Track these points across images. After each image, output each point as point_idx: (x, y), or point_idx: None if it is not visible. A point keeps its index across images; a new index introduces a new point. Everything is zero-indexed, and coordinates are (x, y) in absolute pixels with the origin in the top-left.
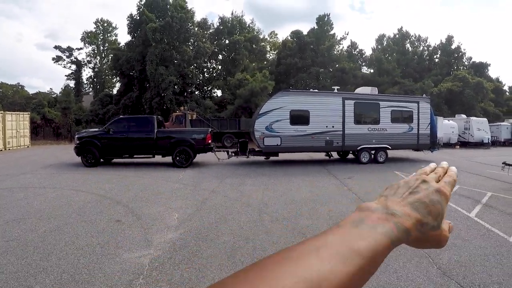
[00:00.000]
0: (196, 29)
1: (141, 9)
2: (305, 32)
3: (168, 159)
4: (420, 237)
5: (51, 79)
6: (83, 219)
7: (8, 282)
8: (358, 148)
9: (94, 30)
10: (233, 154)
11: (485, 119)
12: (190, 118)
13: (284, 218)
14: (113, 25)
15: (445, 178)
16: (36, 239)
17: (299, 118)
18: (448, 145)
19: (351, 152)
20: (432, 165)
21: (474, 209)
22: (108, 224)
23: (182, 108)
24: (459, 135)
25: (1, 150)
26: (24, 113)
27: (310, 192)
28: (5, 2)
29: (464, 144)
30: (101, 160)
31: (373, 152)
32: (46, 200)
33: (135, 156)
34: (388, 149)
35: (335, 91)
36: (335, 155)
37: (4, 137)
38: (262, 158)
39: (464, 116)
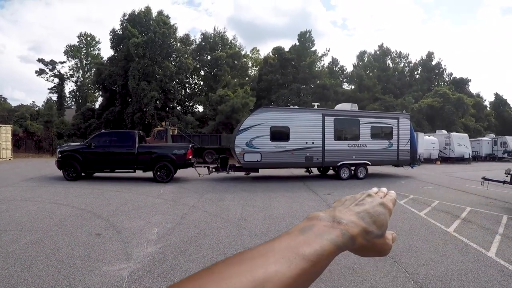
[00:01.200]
0: (178, 44)
1: (124, 24)
2: (286, 49)
3: (149, 174)
4: (365, 244)
5: (33, 91)
6: (64, 232)
7: None
8: (338, 164)
9: (77, 43)
10: (214, 169)
11: (466, 134)
12: (171, 134)
13: (262, 233)
14: (96, 39)
15: (388, 196)
16: (17, 250)
17: (279, 134)
18: (429, 160)
19: (331, 168)
20: (374, 189)
21: (452, 224)
22: (88, 237)
23: (163, 123)
24: (440, 150)
25: None
26: (7, 125)
27: (289, 207)
28: None
29: (445, 159)
30: (83, 174)
31: (353, 168)
32: (28, 212)
33: (116, 170)
34: (368, 165)
35: (315, 107)
36: (315, 171)
37: None
38: (242, 173)
39: (444, 131)
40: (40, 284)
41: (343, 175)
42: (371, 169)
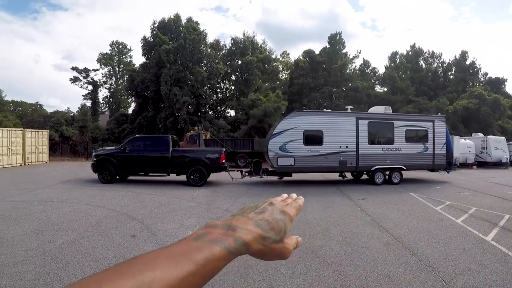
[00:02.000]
0: (208, 50)
1: (154, 32)
2: (317, 52)
3: (183, 177)
4: (263, 249)
5: (68, 98)
6: (99, 233)
7: None
8: (372, 168)
9: (109, 51)
10: (247, 173)
11: (503, 137)
12: (204, 138)
13: None
14: (128, 47)
15: (292, 203)
16: (54, 249)
17: (313, 138)
18: (465, 165)
19: (365, 172)
20: (284, 195)
21: (491, 232)
22: (123, 238)
23: (196, 127)
24: (476, 154)
25: (21, 165)
26: (43, 130)
27: (324, 212)
28: (23, 26)
29: (482, 164)
30: (117, 177)
31: (387, 172)
32: (64, 213)
33: (150, 174)
34: (403, 169)
35: (349, 110)
36: (349, 175)
37: (24, 153)
38: (275, 178)
39: (481, 134)
40: None
41: (378, 180)
42: (406, 174)
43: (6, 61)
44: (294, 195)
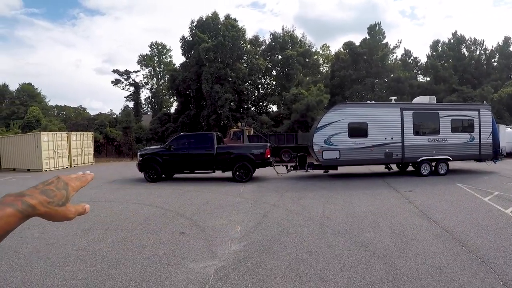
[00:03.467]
0: (248, 46)
1: (193, 31)
2: (357, 43)
3: (228, 174)
4: (48, 211)
5: (110, 100)
6: (149, 231)
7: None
8: (418, 160)
9: (149, 53)
10: (292, 168)
11: None
12: (247, 134)
13: (346, 231)
14: (167, 47)
15: (78, 177)
16: (104, 248)
17: (358, 130)
18: None
19: (410, 164)
20: (79, 173)
21: None
22: (172, 235)
23: (239, 124)
24: None
25: (67, 167)
26: (88, 133)
27: (371, 205)
28: (63, 32)
29: None
30: (163, 175)
31: (433, 163)
32: (112, 213)
33: (195, 171)
34: (449, 160)
35: (393, 101)
36: (394, 167)
37: (69, 155)
38: (321, 171)
39: None
40: (127, 281)
41: (424, 171)
42: (452, 164)
43: (48, 68)
44: (86, 172)
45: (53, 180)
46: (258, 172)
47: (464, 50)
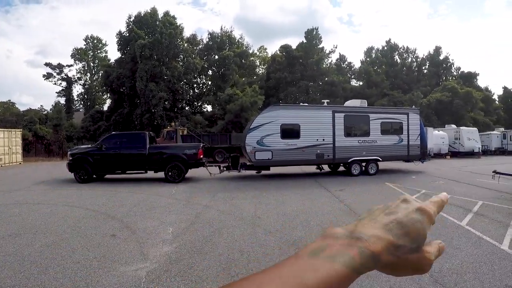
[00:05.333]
0: (185, 45)
1: (130, 26)
2: (294, 47)
3: (161, 174)
4: (395, 261)
5: (41, 96)
6: (79, 234)
7: None
8: (349, 160)
9: (84, 47)
10: (225, 168)
11: (475, 128)
12: (181, 134)
13: (277, 230)
14: (103, 41)
15: (433, 198)
16: (33, 253)
17: (290, 132)
18: (439, 155)
19: (342, 164)
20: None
21: (465, 217)
22: (103, 238)
23: (173, 123)
24: (449, 145)
25: None
26: (16, 130)
27: (303, 204)
28: None
29: (455, 154)
30: (94, 176)
31: (364, 164)
32: (41, 215)
33: (127, 171)
34: (379, 160)
35: (325, 104)
36: (326, 168)
37: None
38: (253, 172)
39: (454, 126)
40: (57, 286)
41: (354, 171)
42: (382, 164)
43: None
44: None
45: (398, 204)
46: (191, 172)
47: (396, 57)
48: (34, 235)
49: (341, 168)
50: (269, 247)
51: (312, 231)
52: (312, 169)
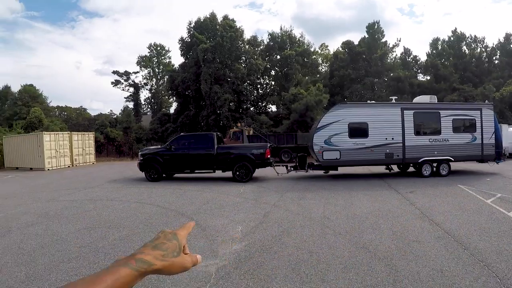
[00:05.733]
0: (246, 46)
1: (191, 32)
2: (356, 42)
3: (228, 174)
4: (166, 264)
5: (111, 101)
6: (150, 229)
7: None
8: (420, 160)
9: (148, 54)
10: (292, 168)
11: None
12: (247, 134)
13: (346, 232)
14: (166, 48)
15: (183, 226)
16: (106, 246)
17: (358, 130)
18: None
19: (412, 165)
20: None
21: None
22: None
23: (239, 124)
24: None
25: (69, 166)
26: (89, 133)
27: (372, 206)
28: (62, 35)
29: None
30: (164, 175)
31: (435, 164)
32: (114, 211)
33: (196, 171)
34: (451, 161)
35: (393, 101)
36: (395, 168)
37: (71, 154)
38: (321, 172)
39: None
40: None
41: (425, 172)
42: (454, 165)
43: (49, 69)
44: (187, 223)
45: (159, 235)
46: (258, 172)
47: (464, 47)
48: (108, 229)
49: (411, 169)
50: (338, 249)
51: (382, 234)
52: (380, 169)
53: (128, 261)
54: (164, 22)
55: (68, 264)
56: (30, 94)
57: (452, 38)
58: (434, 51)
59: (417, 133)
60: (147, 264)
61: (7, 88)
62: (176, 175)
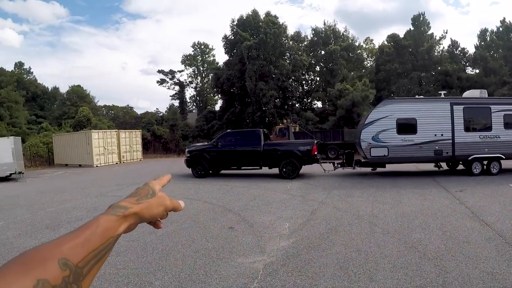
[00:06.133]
0: (290, 42)
1: (234, 30)
2: (401, 35)
3: (275, 170)
4: (143, 206)
5: (156, 100)
6: (198, 225)
7: (129, 277)
8: (470, 158)
9: (192, 53)
10: (339, 165)
11: None
12: (293, 131)
13: (395, 231)
14: (210, 46)
15: (159, 178)
16: (155, 240)
17: (406, 126)
18: None
19: (461, 162)
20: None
21: None
22: (221, 230)
23: (285, 120)
24: None
25: (116, 163)
26: (136, 130)
27: (421, 205)
28: (107, 37)
29: None
30: (210, 171)
31: (485, 162)
32: None
33: (242, 167)
34: (502, 159)
35: (442, 96)
36: (443, 166)
37: (119, 152)
38: (368, 169)
39: None
40: (177, 272)
41: (475, 170)
42: (505, 163)
43: (96, 70)
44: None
45: (138, 188)
46: (305, 169)
47: None
48: None
49: (460, 167)
50: (387, 248)
51: (432, 234)
52: (428, 167)
53: (107, 210)
54: (206, 21)
55: (116, 257)
56: (78, 94)
57: (501, 29)
58: (482, 43)
59: (467, 129)
60: (124, 208)
61: (55, 89)
62: (222, 171)
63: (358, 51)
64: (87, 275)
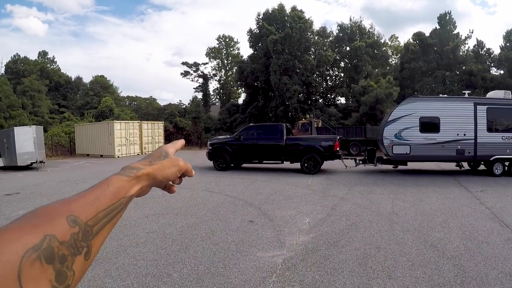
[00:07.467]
0: (316, 38)
1: (260, 23)
2: (427, 34)
3: (296, 165)
4: (155, 166)
5: (180, 91)
6: (218, 218)
7: (148, 268)
8: (492, 158)
9: (217, 45)
10: (361, 162)
11: None
12: (316, 126)
13: (415, 229)
14: (235, 39)
15: (174, 142)
16: (174, 232)
17: (429, 125)
18: None
19: (482, 163)
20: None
21: None
22: (241, 223)
23: (308, 115)
24: None
25: (138, 154)
26: (158, 122)
27: (442, 204)
28: (132, 27)
29: None
30: (232, 164)
31: (506, 163)
32: (182, 198)
33: (264, 161)
34: None
35: (466, 96)
36: (465, 165)
37: (141, 143)
38: (389, 166)
39: None
40: (196, 265)
41: (496, 171)
42: None
43: (120, 61)
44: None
45: (154, 151)
46: (326, 164)
47: None
48: (176, 216)
49: (481, 167)
50: (406, 246)
51: (451, 233)
52: (449, 166)
53: (120, 171)
54: (232, 14)
55: (135, 248)
56: (102, 85)
57: None
58: (507, 44)
59: (489, 129)
60: (136, 169)
61: (78, 79)
62: (244, 165)
63: (383, 48)
64: (97, 235)
